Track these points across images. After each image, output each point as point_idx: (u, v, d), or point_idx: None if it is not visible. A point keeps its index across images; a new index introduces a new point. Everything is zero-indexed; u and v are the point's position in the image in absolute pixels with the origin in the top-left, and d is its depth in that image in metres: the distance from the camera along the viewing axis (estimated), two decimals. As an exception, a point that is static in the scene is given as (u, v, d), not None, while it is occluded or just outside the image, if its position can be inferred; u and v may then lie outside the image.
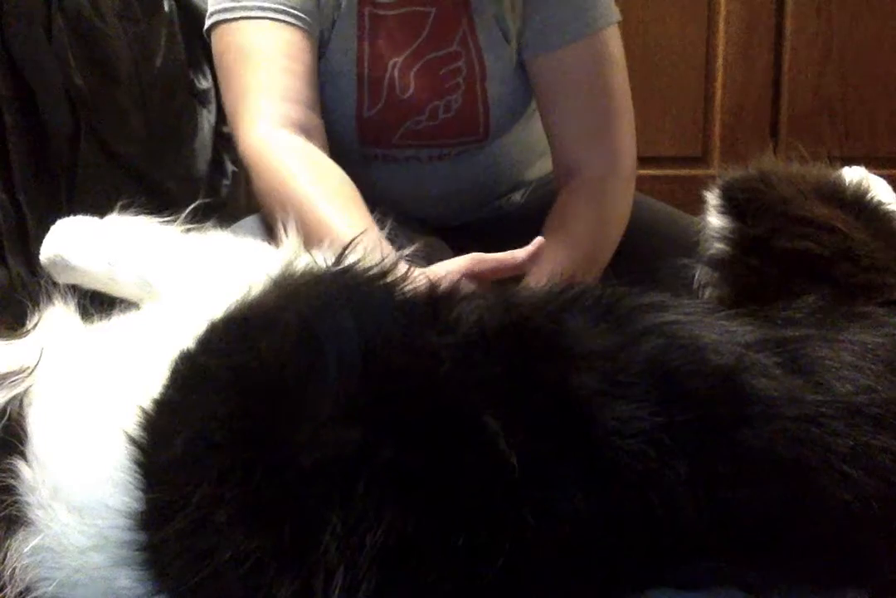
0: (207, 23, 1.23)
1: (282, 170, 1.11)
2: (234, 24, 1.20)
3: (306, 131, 1.15)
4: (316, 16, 1.21)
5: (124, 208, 0.93)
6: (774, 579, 0.67)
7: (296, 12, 1.18)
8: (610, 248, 1.20)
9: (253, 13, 1.18)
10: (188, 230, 0.91)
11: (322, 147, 1.16)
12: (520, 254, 0.97)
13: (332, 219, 1.04)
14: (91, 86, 1.44)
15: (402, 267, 0.81)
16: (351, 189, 1.10)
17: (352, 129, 1.28)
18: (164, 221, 0.92)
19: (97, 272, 0.89)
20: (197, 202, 0.98)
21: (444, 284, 0.76)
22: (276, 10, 1.18)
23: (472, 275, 0.95)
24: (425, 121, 1.28)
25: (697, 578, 0.67)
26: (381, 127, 1.28)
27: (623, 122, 1.26)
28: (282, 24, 1.18)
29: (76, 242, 0.91)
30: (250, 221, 1.24)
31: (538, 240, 0.98)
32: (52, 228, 0.94)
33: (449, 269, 0.95)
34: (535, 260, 0.98)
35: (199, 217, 0.95)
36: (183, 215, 0.92)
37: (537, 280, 1.01)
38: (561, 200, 1.23)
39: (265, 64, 1.17)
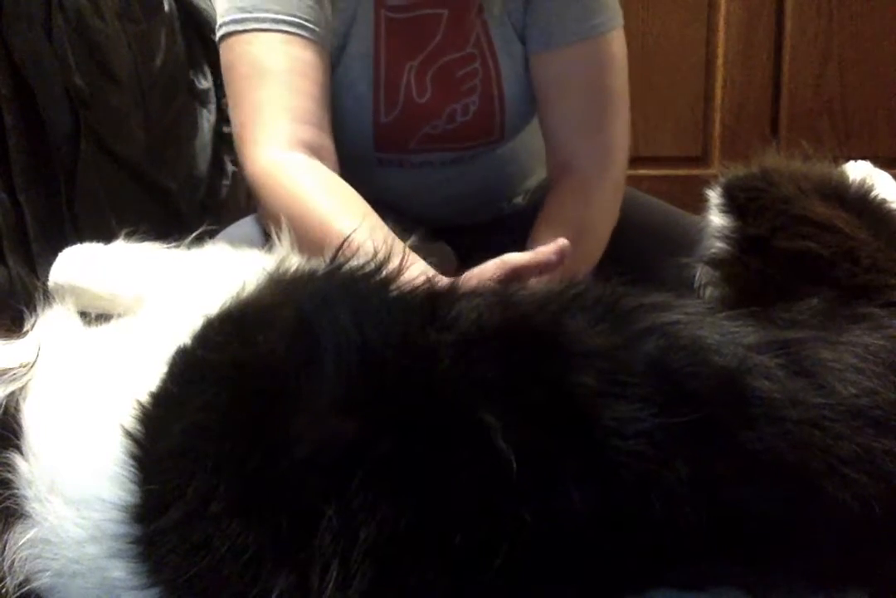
0: (218, 34, 1.21)
1: (296, 187, 1.09)
2: (245, 36, 1.17)
3: (317, 153, 1.14)
4: (328, 27, 1.20)
5: (130, 235, 0.94)
6: (774, 579, 0.67)
7: (310, 25, 1.16)
8: (595, 248, 1.19)
9: (265, 25, 1.16)
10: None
11: (333, 168, 1.15)
12: (546, 255, 0.95)
13: (353, 231, 1.02)
14: (91, 86, 1.44)
15: (426, 275, 0.80)
16: (366, 206, 1.08)
17: (369, 135, 1.27)
18: (169, 246, 0.92)
19: (104, 296, 0.89)
20: (203, 228, 0.98)
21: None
22: (290, 23, 1.16)
23: (502, 280, 0.93)
24: (442, 125, 1.28)
25: (697, 578, 0.67)
26: (397, 132, 1.27)
27: (618, 124, 1.26)
28: (295, 39, 1.16)
29: (83, 268, 0.92)
30: (246, 222, 1.24)
31: (560, 240, 0.96)
32: (59, 255, 0.94)
33: (478, 276, 0.93)
34: (562, 258, 0.96)
35: (205, 240, 0.96)
36: (188, 240, 0.93)
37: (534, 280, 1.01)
38: (549, 199, 1.23)
39: (277, 82, 1.14)
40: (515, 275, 0.94)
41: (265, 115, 1.14)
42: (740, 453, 0.64)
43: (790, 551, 0.66)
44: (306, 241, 0.93)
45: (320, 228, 1.02)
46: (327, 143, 1.16)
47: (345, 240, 0.80)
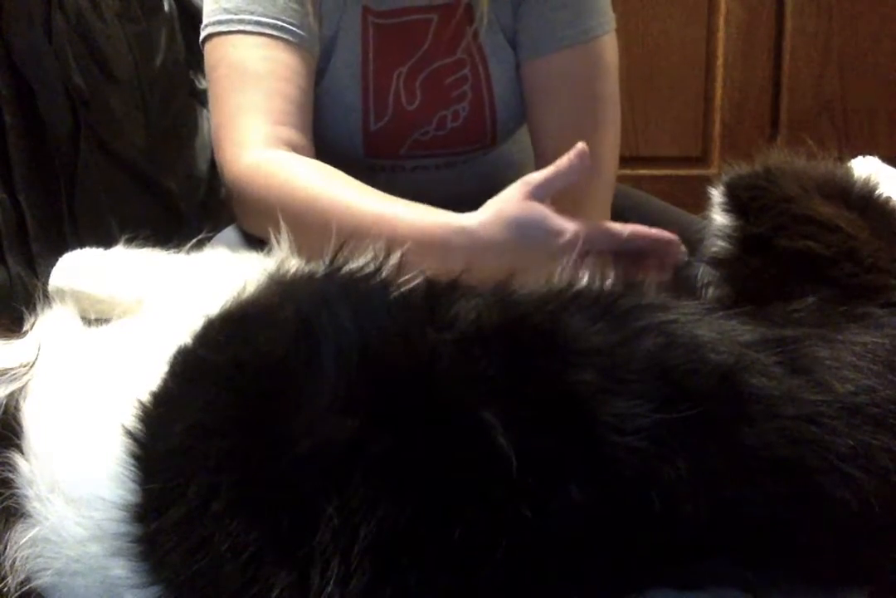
0: (202, 34, 1.20)
1: (291, 174, 1.06)
2: (228, 38, 1.16)
3: (297, 151, 1.12)
4: (314, 32, 1.18)
5: (130, 241, 0.94)
6: (774, 579, 0.67)
7: (293, 29, 1.16)
8: None
9: (249, 28, 1.15)
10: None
11: None
12: (568, 162, 0.95)
13: (385, 209, 0.99)
14: (91, 86, 1.44)
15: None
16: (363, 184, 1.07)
17: (358, 143, 1.27)
18: (169, 251, 0.92)
19: (104, 299, 0.89)
20: (203, 235, 0.98)
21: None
22: (273, 27, 1.15)
23: (532, 197, 0.93)
24: (433, 131, 1.27)
25: (697, 578, 0.67)
26: (387, 139, 1.27)
27: (609, 131, 1.25)
28: (277, 42, 1.15)
29: (83, 272, 0.92)
30: (226, 232, 1.23)
31: (579, 144, 0.95)
32: (59, 259, 0.94)
33: (508, 198, 0.93)
34: (586, 162, 0.95)
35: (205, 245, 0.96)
36: (188, 245, 0.93)
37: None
38: None
39: (257, 86, 1.13)
40: (543, 192, 0.93)
41: (244, 117, 1.13)
42: (738, 449, 0.64)
43: (790, 550, 0.66)
44: (308, 224, 0.92)
45: (329, 205, 1.00)
46: (307, 144, 1.16)
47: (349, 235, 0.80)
